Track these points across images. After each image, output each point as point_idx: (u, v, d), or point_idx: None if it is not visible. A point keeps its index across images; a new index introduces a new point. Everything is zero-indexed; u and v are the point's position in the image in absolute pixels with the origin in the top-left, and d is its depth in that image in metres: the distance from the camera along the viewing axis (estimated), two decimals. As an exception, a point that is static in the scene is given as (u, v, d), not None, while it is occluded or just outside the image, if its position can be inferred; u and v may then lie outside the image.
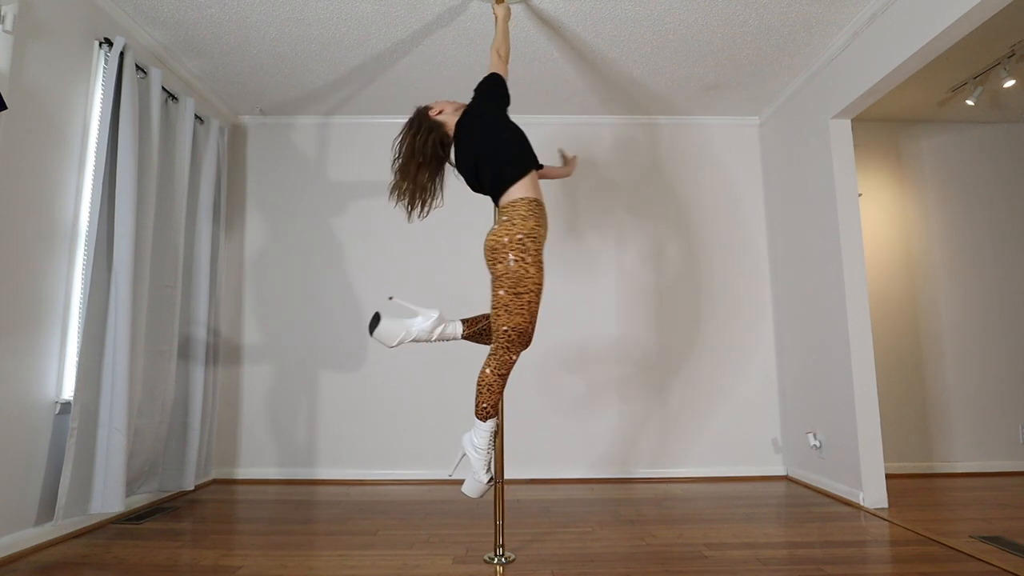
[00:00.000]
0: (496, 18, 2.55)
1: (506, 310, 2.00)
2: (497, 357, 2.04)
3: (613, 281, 3.79)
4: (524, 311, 2.00)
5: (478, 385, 2.05)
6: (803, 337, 3.44)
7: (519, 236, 1.98)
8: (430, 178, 2.20)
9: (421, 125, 2.19)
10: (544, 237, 2.05)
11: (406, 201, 2.20)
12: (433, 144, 2.18)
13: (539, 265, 2.01)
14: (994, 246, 3.88)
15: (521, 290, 1.99)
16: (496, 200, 2.12)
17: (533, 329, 2.06)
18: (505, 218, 2.03)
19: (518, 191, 2.05)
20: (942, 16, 2.33)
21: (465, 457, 2.08)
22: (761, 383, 3.74)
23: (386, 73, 3.35)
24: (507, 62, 2.42)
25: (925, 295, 3.81)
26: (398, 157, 2.21)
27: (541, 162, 2.20)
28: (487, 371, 2.04)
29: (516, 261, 1.98)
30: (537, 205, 2.05)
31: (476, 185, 2.23)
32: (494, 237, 2.02)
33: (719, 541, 2.35)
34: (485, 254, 2.05)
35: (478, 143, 2.14)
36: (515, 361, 2.07)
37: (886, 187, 3.90)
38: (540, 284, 2.02)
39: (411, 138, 2.18)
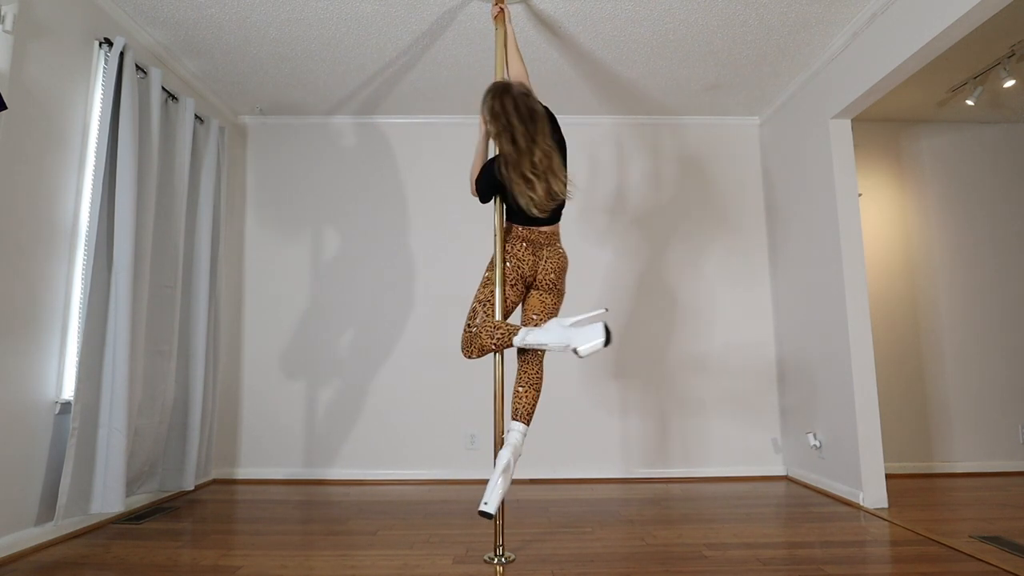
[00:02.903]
0: (502, 28, 2.51)
1: None
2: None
3: (613, 280, 3.79)
4: None
5: (538, 390, 2.27)
6: (803, 337, 3.44)
7: None
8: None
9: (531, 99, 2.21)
10: None
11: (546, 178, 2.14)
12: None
13: None
14: (994, 246, 3.88)
15: None
16: (546, 223, 2.26)
17: None
18: (561, 245, 2.33)
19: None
20: (942, 16, 2.33)
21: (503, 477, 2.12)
22: (761, 383, 3.74)
23: (386, 73, 3.35)
24: None
25: (925, 295, 3.81)
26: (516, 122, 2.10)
27: None
28: (543, 374, 2.30)
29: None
30: None
31: (537, 197, 2.18)
32: (564, 260, 2.31)
33: (719, 541, 2.35)
34: (556, 273, 2.27)
35: (564, 167, 2.26)
36: None
37: (886, 187, 3.91)
38: None
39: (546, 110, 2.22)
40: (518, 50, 2.52)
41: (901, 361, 3.73)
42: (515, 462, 2.11)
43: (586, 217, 3.82)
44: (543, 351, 2.26)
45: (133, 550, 2.28)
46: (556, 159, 2.14)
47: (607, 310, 2.30)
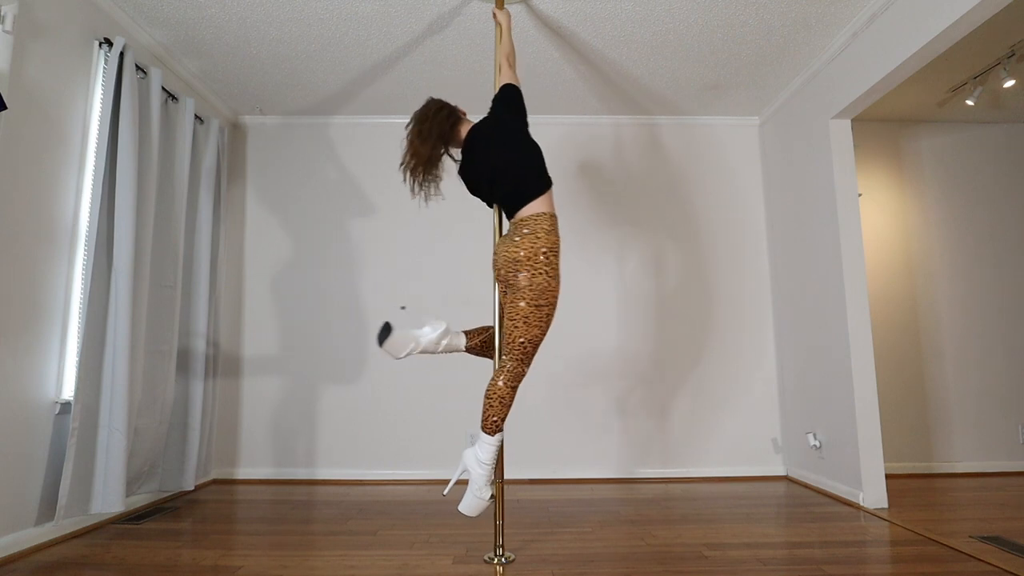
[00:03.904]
0: (500, 25, 2.51)
1: (525, 322, 2.00)
2: (510, 370, 2.04)
3: (614, 280, 3.79)
4: (543, 323, 2.02)
5: (488, 398, 2.02)
6: (803, 337, 3.44)
7: (544, 249, 2.00)
8: (433, 154, 2.16)
9: (443, 108, 2.20)
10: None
11: (415, 174, 2.16)
12: (442, 125, 2.17)
13: (559, 279, 2.05)
14: (994, 246, 3.88)
15: (543, 302, 2.00)
16: (511, 212, 2.09)
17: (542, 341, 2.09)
18: (527, 231, 2.01)
19: (540, 206, 2.06)
20: (942, 16, 2.33)
21: (465, 474, 2.06)
22: (761, 383, 3.74)
23: (386, 73, 3.35)
24: (514, 69, 2.40)
25: (925, 295, 3.81)
26: (418, 136, 2.16)
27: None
28: (499, 383, 2.02)
29: (541, 274, 1.99)
30: (556, 220, 2.08)
31: (486, 194, 2.22)
32: (516, 249, 2.00)
33: (719, 541, 2.35)
34: (504, 265, 2.03)
35: (499, 153, 2.12)
36: (526, 373, 2.08)
37: (886, 187, 3.90)
38: (557, 297, 2.05)
39: (433, 115, 2.18)
40: (510, 39, 2.46)
41: (901, 361, 3.74)
42: (479, 469, 1.99)
43: (584, 217, 3.82)
44: (505, 360, 2.06)
45: (133, 550, 2.28)
46: (415, 134, 2.15)
47: (403, 308, 2.14)
